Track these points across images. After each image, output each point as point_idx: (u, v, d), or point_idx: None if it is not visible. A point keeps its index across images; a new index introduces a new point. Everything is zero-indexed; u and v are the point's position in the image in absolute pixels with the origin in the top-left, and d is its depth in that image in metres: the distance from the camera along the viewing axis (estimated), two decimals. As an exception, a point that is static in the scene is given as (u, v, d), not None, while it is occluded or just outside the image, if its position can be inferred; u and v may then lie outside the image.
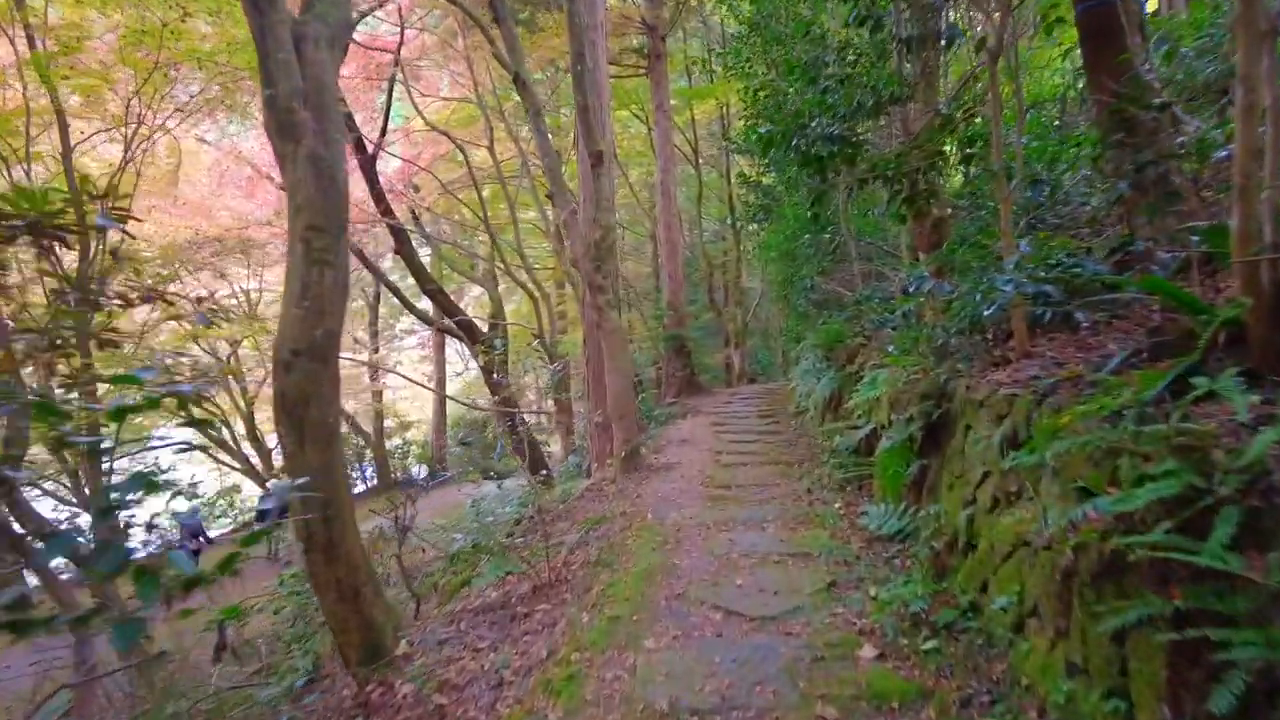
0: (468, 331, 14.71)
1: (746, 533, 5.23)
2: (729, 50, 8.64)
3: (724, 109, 19.79)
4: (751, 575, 4.35)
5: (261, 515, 14.58)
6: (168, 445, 21.18)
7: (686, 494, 6.67)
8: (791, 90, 6.17)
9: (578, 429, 13.16)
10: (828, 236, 7.73)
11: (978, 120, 5.04)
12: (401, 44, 13.32)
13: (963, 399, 3.96)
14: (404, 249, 14.30)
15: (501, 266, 14.06)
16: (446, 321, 14.92)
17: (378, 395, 24.10)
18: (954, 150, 5.12)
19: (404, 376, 18.11)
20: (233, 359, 19.62)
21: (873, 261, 7.75)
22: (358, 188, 14.56)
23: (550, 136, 8.99)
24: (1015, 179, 4.01)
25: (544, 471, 10.82)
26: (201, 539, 12.91)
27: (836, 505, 5.73)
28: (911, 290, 5.42)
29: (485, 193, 17.32)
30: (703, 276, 22.34)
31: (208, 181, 13.32)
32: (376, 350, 24.13)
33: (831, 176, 4.89)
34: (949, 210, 6.08)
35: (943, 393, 4.32)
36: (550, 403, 14.07)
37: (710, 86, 17.92)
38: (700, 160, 21.51)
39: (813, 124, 4.18)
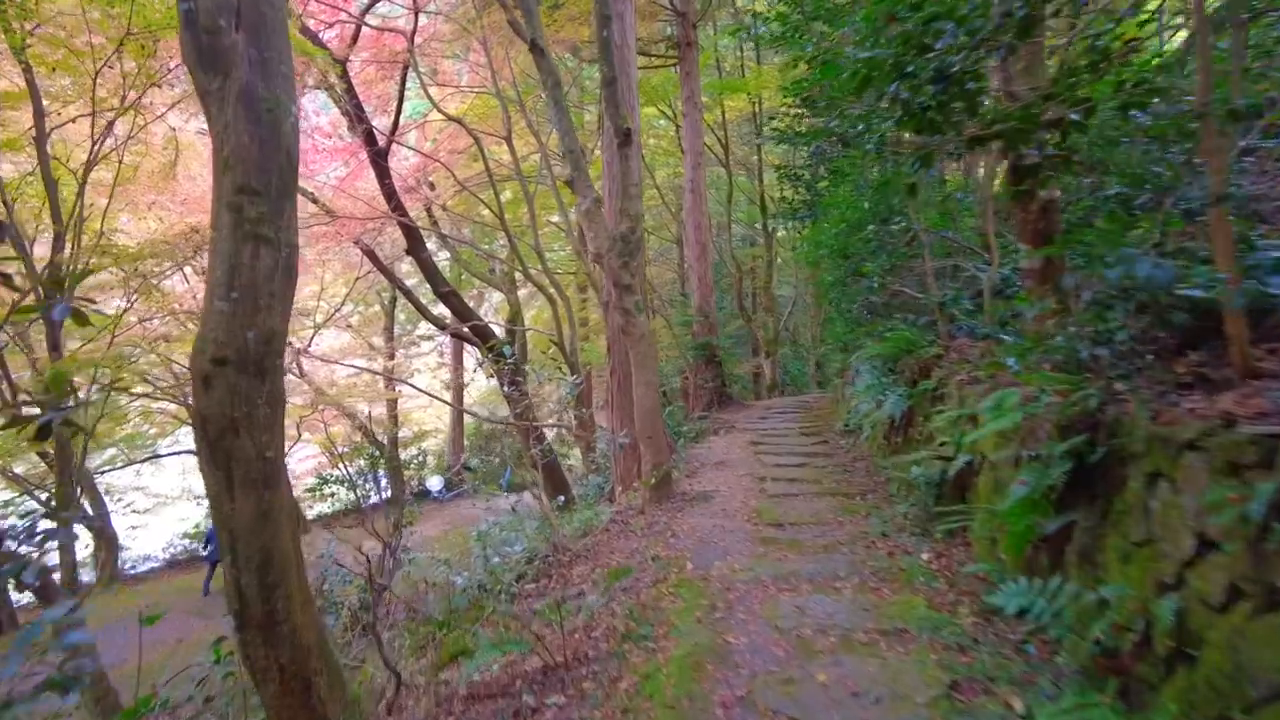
0: (482, 337, 13.73)
1: (816, 595, 4.10)
2: (772, 16, 7.55)
3: (756, 104, 18.73)
4: (836, 667, 3.23)
5: (208, 542, 13.77)
6: (173, 454, 20.79)
7: (731, 534, 5.56)
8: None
9: (599, 446, 12.08)
10: (898, 227, 6.59)
11: (1145, 53, 3.93)
12: (416, 27, 12.43)
13: (1145, 434, 2.81)
14: (417, 250, 13.40)
15: (519, 269, 13.03)
16: (461, 326, 13.97)
17: (393, 403, 23.24)
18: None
19: (415, 388, 17.16)
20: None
21: (951, 257, 6.60)
22: (369, 183, 13.72)
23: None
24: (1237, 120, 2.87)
25: (561, 498, 9.77)
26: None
27: (924, 556, 4.59)
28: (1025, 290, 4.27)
29: (505, 195, 16.42)
30: (732, 282, 21.25)
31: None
32: (392, 356, 23.28)
33: (937, 138, 3.78)
34: (1058, 192, 4.92)
35: (1096, 423, 3.18)
36: (570, 416, 13.02)
37: (742, 80, 16.85)
38: (731, 160, 20.42)
39: (920, 61, 3.12)
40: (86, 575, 17.21)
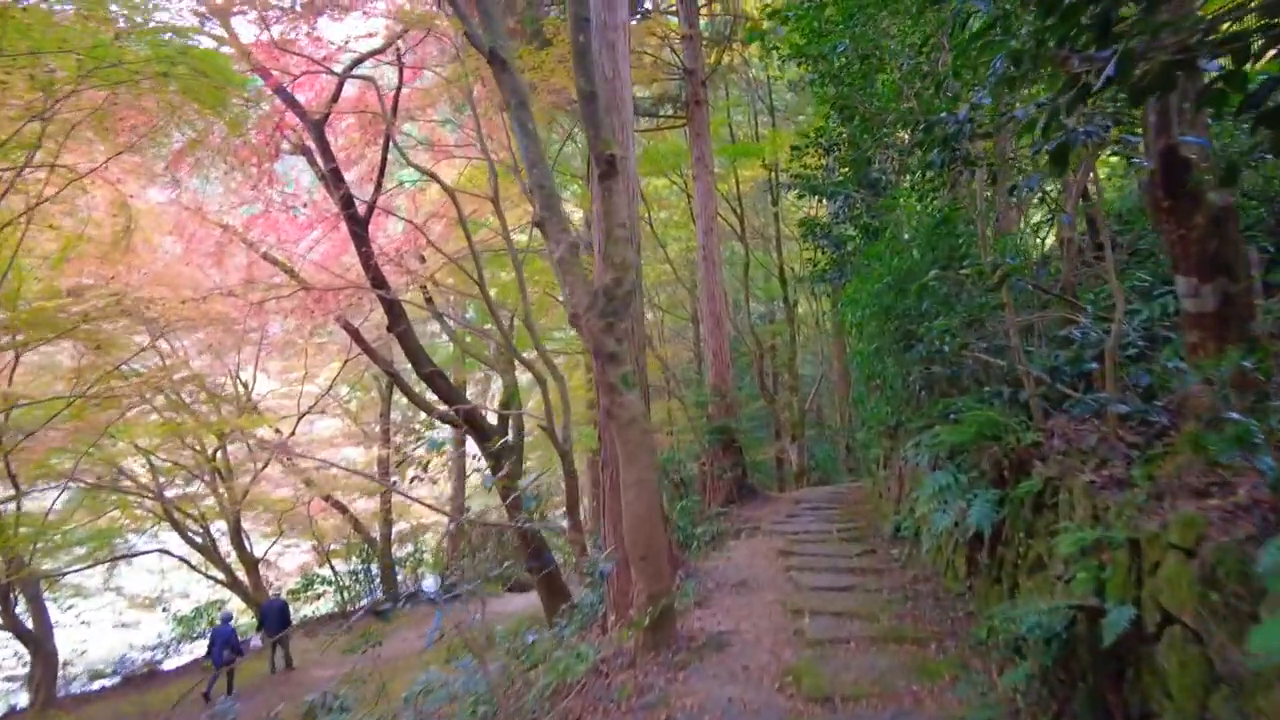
0: (471, 423, 12.15)
1: None
2: (804, 11, 6.21)
3: (772, 171, 17.67)
4: None
5: (212, 645, 12.18)
6: (138, 554, 19.06)
7: (754, 716, 3.73)
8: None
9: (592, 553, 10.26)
10: (968, 271, 4.98)
11: None
12: (401, 84, 11.50)
13: None
14: (398, 326, 12.04)
15: (505, 346, 11.58)
16: (449, 411, 12.42)
17: (387, 495, 21.49)
18: None
19: (404, 495, 15.41)
20: (219, 454, 17.35)
21: (1042, 309, 4.96)
22: (355, 258, 12.55)
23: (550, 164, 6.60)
24: None
25: (562, 607, 8.01)
26: (232, 650, 11.69)
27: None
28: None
29: (487, 267, 15.18)
30: (752, 360, 19.67)
31: (171, 247, 11.41)
32: (387, 443, 21.69)
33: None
34: (1231, 197, 3.32)
35: None
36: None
37: (756, 144, 15.77)
38: (747, 231, 19.24)
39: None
40: (19, 697, 15.30)
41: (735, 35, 14.19)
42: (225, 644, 11.74)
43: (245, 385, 18.14)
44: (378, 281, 11.67)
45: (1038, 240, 7.21)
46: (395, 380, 14.09)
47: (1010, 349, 4.64)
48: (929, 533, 5.93)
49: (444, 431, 17.44)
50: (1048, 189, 7.23)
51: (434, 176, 10.72)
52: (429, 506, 12.60)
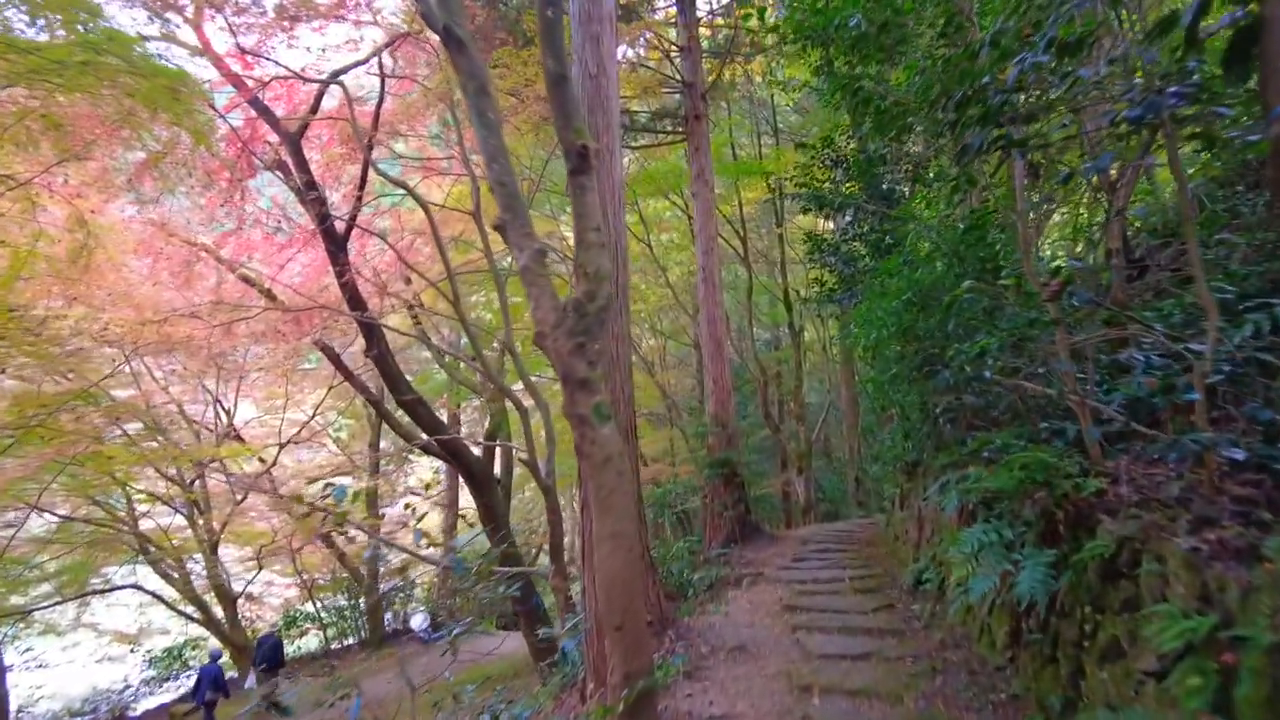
0: (453, 454, 11.36)
1: None
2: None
3: (776, 192, 17.00)
4: None
5: (199, 683, 11.60)
6: (108, 590, 18.13)
7: None
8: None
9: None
10: (1007, 280, 4.18)
11: None
12: (383, 97, 10.89)
13: None
14: (375, 350, 11.28)
15: (482, 368, 10.81)
16: (431, 441, 11.61)
17: (375, 529, 20.52)
18: None
19: (386, 542, 14.42)
20: (198, 485, 16.52)
21: (1090, 327, 4.13)
22: (330, 275, 11.85)
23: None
24: None
25: (542, 665, 7.15)
26: (214, 689, 11.39)
27: None
28: None
29: (481, 288, 14.56)
30: (756, 388, 18.83)
31: (137, 265, 10.72)
32: (377, 473, 20.82)
33: None
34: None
35: None
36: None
37: (758, 162, 15.06)
38: (750, 254, 18.52)
39: None
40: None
41: (737, 49, 13.60)
42: (211, 683, 11.36)
43: (227, 412, 17.38)
44: (354, 302, 10.96)
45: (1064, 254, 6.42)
46: (376, 408, 13.31)
47: (1062, 374, 3.82)
48: (959, 589, 5.05)
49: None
50: (1074, 195, 6.46)
51: (406, 187, 10.05)
52: (408, 551, 11.67)
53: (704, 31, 14.40)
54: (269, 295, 11.67)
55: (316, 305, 9.87)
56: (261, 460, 17.94)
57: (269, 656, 12.72)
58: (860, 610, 6.33)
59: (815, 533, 11.93)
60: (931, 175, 7.02)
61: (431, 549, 8.12)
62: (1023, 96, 3.09)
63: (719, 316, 12.20)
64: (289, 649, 19.77)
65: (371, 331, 11.19)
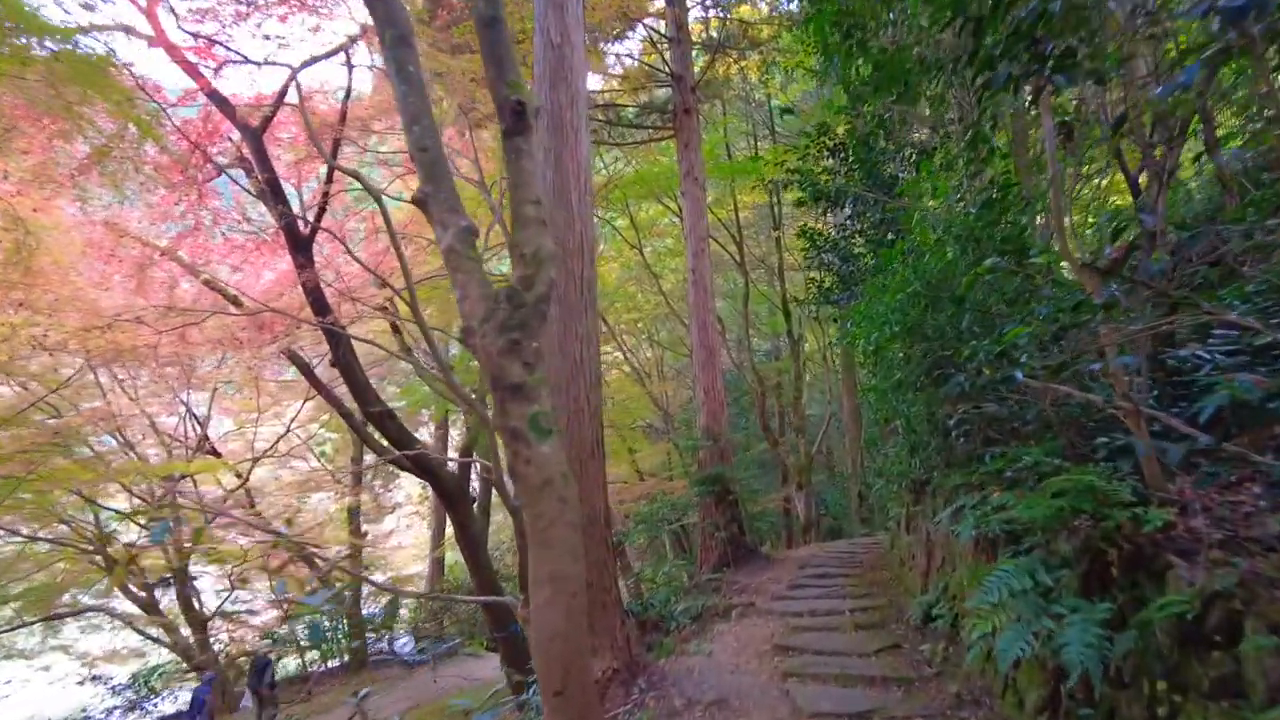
0: (421, 469, 10.58)
1: None
2: None
3: (773, 193, 16.28)
4: None
5: (191, 706, 11.13)
6: (71, 614, 17.31)
7: None
8: None
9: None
10: (1041, 260, 3.41)
11: None
12: (350, 89, 10.22)
13: None
14: (341, 359, 10.53)
15: (440, 377, 10.06)
16: (398, 454, 10.83)
17: (357, 550, 19.69)
18: None
19: (361, 578, 13.57)
20: (169, 499, 15.70)
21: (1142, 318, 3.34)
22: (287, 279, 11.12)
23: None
24: None
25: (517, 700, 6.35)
26: (195, 711, 11.13)
27: None
28: None
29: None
30: (754, 399, 18.01)
31: (86, 269, 9.99)
32: (359, 487, 19.98)
33: None
34: None
35: None
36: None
37: (754, 162, 14.26)
38: (746, 259, 17.77)
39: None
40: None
41: (732, 42, 12.91)
42: (200, 706, 11.10)
43: (201, 424, 16.61)
44: (319, 307, 10.22)
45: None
46: (348, 421, 12.52)
47: (1112, 374, 3.03)
48: (977, 634, 4.22)
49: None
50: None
51: (358, 177, 9.27)
52: (380, 587, 10.96)
53: (695, 28, 13.75)
54: (234, 301, 10.94)
55: (268, 308, 9.10)
56: (238, 475, 17.14)
57: (258, 678, 12.53)
58: (861, 652, 5.50)
59: (814, 555, 11.08)
60: (938, 163, 6.26)
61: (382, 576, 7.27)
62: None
63: (710, 322, 11.44)
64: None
65: (337, 339, 10.46)
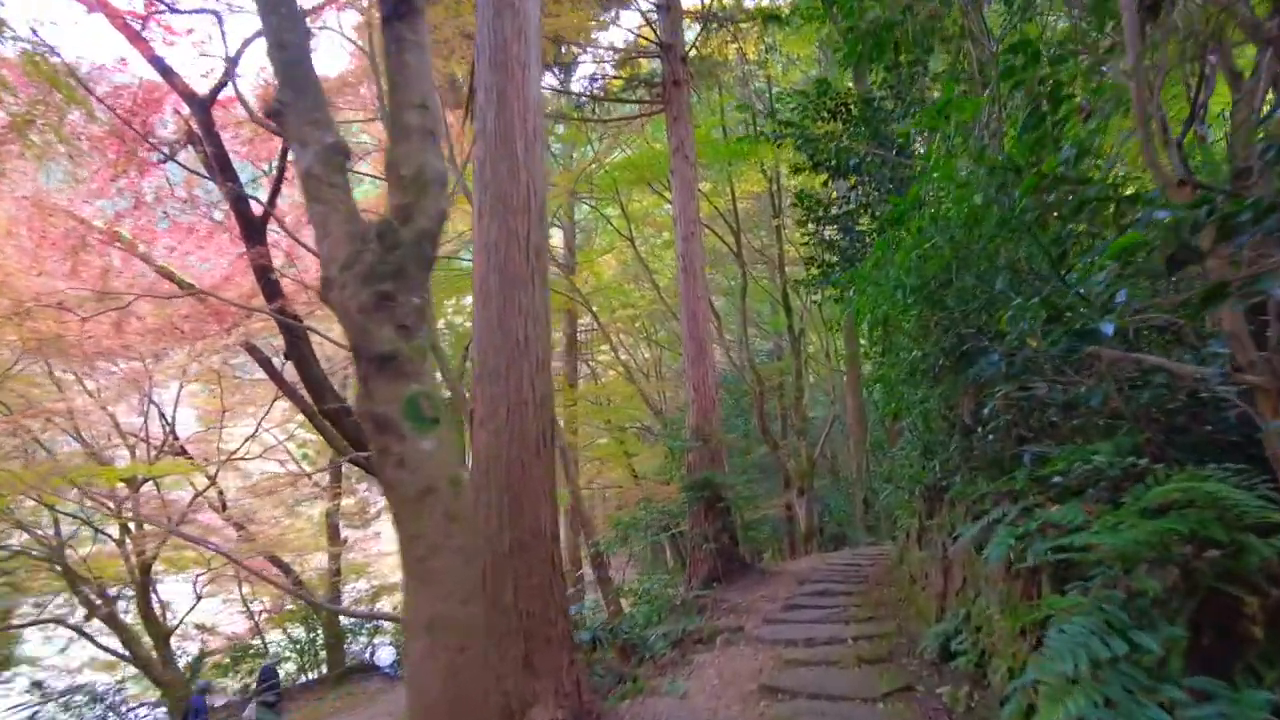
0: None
1: None
2: None
3: (773, 181, 15.32)
4: None
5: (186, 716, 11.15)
6: (30, 624, 16.41)
7: None
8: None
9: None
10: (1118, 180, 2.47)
11: None
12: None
13: None
14: (296, 351, 9.63)
15: None
16: (357, 454, 9.91)
17: (335, 557, 18.73)
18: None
19: (330, 607, 12.62)
20: (129, 504, 14.76)
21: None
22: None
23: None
24: None
25: None
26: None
27: None
28: None
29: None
30: (753, 400, 17.00)
31: (14, 252, 9.07)
32: (337, 484, 18.97)
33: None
34: None
35: None
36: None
37: (752, 143, 13.20)
38: (744, 253, 16.77)
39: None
40: None
41: (727, 11, 11.98)
42: (195, 716, 11.02)
43: (169, 424, 15.70)
44: (270, 293, 9.33)
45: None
46: (310, 418, 11.59)
47: (1230, 336, 2.05)
48: (1014, 680, 3.22)
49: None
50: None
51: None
52: (347, 613, 10.06)
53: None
54: (180, 285, 10.04)
55: (209, 294, 8.17)
56: (209, 477, 16.21)
57: (272, 686, 12.76)
58: (867, 696, 4.51)
59: (815, 568, 10.07)
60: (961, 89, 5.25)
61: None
62: None
63: (702, 313, 10.48)
64: (235, 685, 18.00)
65: (290, 330, 9.55)
